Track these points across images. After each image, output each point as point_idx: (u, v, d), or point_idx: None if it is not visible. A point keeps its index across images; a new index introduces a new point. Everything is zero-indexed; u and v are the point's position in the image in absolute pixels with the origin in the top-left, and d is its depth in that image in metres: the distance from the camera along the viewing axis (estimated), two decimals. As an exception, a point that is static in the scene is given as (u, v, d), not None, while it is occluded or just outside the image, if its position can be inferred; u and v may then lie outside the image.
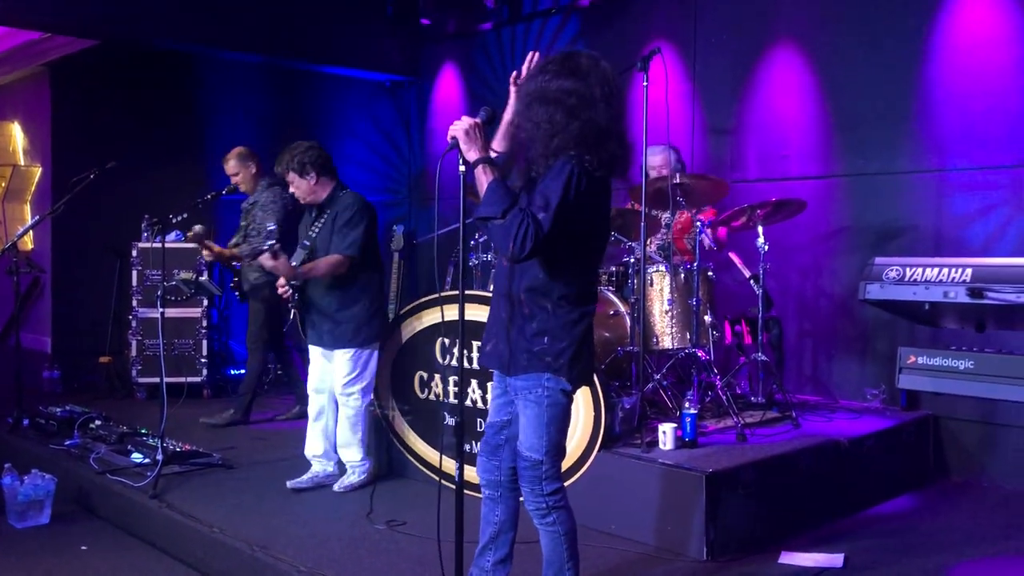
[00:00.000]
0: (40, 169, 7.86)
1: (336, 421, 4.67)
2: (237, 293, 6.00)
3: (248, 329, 6.04)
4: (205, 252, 5.78)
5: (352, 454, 4.68)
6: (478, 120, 2.79)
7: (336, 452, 4.73)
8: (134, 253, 6.91)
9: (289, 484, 4.62)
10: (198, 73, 7.71)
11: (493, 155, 2.83)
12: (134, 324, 6.87)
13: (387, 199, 8.69)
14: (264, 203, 5.84)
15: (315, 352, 4.68)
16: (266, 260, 4.35)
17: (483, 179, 2.72)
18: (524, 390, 2.85)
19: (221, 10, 6.87)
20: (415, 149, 8.61)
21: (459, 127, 2.77)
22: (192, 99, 7.70)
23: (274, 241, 4.38)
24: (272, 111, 7.97)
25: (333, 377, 4.62)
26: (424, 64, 8.38)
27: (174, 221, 5.69)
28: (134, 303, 6.89)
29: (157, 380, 6.59)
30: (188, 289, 5.56)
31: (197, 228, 5.43)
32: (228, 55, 7.34)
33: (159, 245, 6.32)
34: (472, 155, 2.76)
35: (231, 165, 5.99)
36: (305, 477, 4.67)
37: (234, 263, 5.98)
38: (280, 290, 4.56)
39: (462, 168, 2.78)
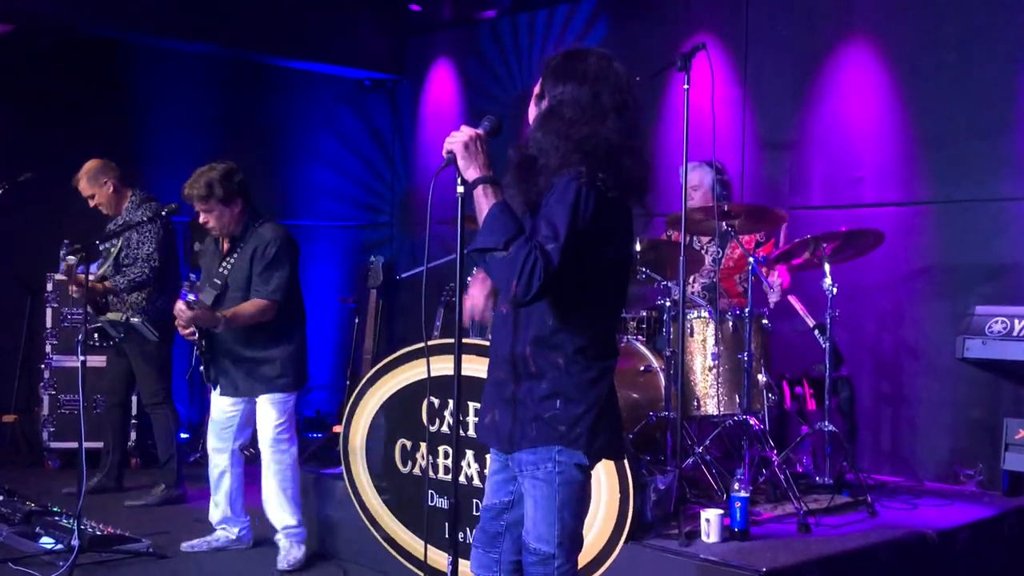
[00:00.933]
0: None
1: (238, 481, 5.06)
2: (99, 338, 6.00)
3: (141, 384, 6.16)
4: (72, 287, 5.77)
5: (287, 517, 4.93)
6: (480, 131, 2.82)
7: (242, 515, 5.12)
8: (49, 287, 6.93)
9: (184, 546, 5.04)
10: (134, 66, 7.77)
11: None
12: (47, 375, 6.86)
13: (364, 222, 8.73)
14: (139, 223, 5.86)
15: (220, 405, 4.99)
16: (183, 311, 4.61)
17: (483, 203, 2.73)
18: (531, 465, 2.83)
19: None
20: (401, 163, 8.65)
21: (457, 139, 2.79)
22: (127, 98, 7.76)
23: (189, 282, 4.64)
24: (225, 113, 8.04)
25: (259, 428, 4.93)
26: (412, 59, 8.46)
27: (101, 247, 5.70)
28: (47, 349, 6.90)
29: (74, 445, 6.57)
30: (117, 332, 5.55)
31: (70, 259, 5.47)
32: (170, 44, 7.42)
33: (81, 277, 6.28)
34: (471, 173, 2.77)
35: (82, 186, 6.11)
36: (201, 540, 5.09)
37: (102, 299, 5.99)
38: (184, 332, 4.79)
39: (460, 189, 2.79)
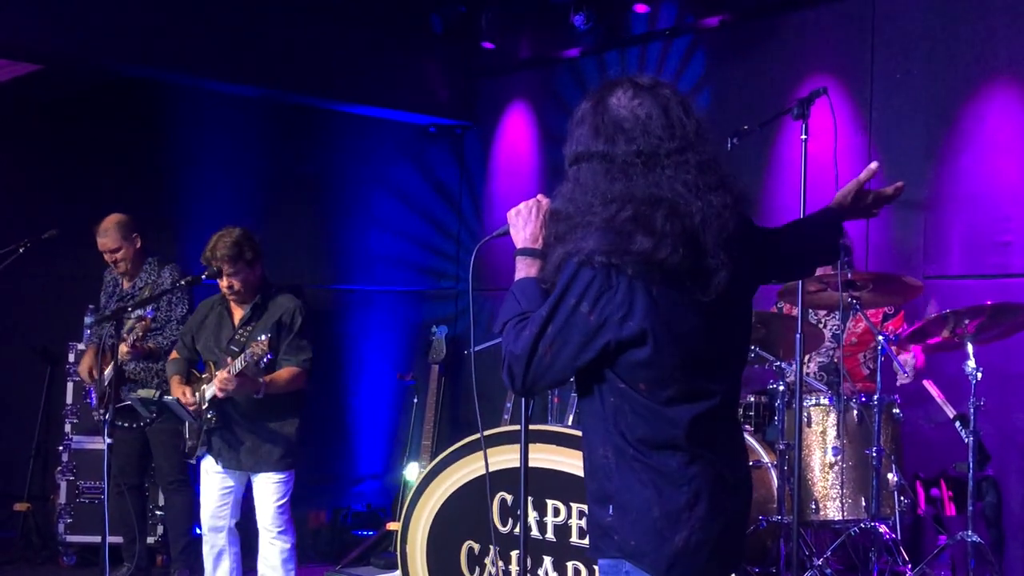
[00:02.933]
0: (-49, 238, 8.13)
1: (236, 561, 5.33)
2: (126, 417, 6.13)
3: (160, 462, 6.24)
4: (123, 348, 5.88)
5: None
6: (547, 201, 2.82)
7: None
8: (71, 358, 7.05)
9: None
10: (170, 110, 7.92)
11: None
12: (65, 458, 6.96)
13: (425, 287, 8.77)
14: (175, 286, 6.04)
15: (214, 481, 5.28)
16: (229, 381, 4.93)
17: (518, 275, 2.80)
18: None
19: (208, 26, 7.13)
20: (471, 219, 8.71)
21: (518, 207, 2.85)
22: (161, 145, 7.90)
23: (264, 342, 4.87)
24: (270, 162, 8.17)
25: (258, 507, 5.24)
26: (483, 103, 8.55)
27: (133, 315, 5.80)
28: (67, 428, 6.99)
29: (93, 539, 6.62)
30: (148, 412, 5.62)
31: (141, 312, 5.66)
32: (210, 85, 7.57)
33: (90, 352, 6.41)
34: (518, 241, 2.83)
35: (111, 238, 6.27)
36: None
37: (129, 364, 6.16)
38: (189, 403, 5.16)
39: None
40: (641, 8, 7.21)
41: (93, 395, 6.48)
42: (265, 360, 4.92)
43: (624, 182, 2.59)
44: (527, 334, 2.60)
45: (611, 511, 2.68)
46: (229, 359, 5.05)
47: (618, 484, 2.67)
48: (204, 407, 5.15)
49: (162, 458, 6.25)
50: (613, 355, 2.60)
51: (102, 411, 5.67)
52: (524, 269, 2.77)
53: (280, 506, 5.22)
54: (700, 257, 2.57)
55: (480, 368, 8.05)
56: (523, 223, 2.82)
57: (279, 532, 5.22)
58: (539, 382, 2.64)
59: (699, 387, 2.65)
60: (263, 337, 4.91)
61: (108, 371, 5.94)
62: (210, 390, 5.11)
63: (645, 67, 7.49)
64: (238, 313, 5.30)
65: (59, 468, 6.97)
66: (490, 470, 4.60)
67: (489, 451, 4.69)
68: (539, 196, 2.83)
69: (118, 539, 6.47)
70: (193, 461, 5.40)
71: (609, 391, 2.66)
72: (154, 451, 6.24)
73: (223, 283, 5.20)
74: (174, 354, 5.58)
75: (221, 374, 4.99)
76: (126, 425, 6.27)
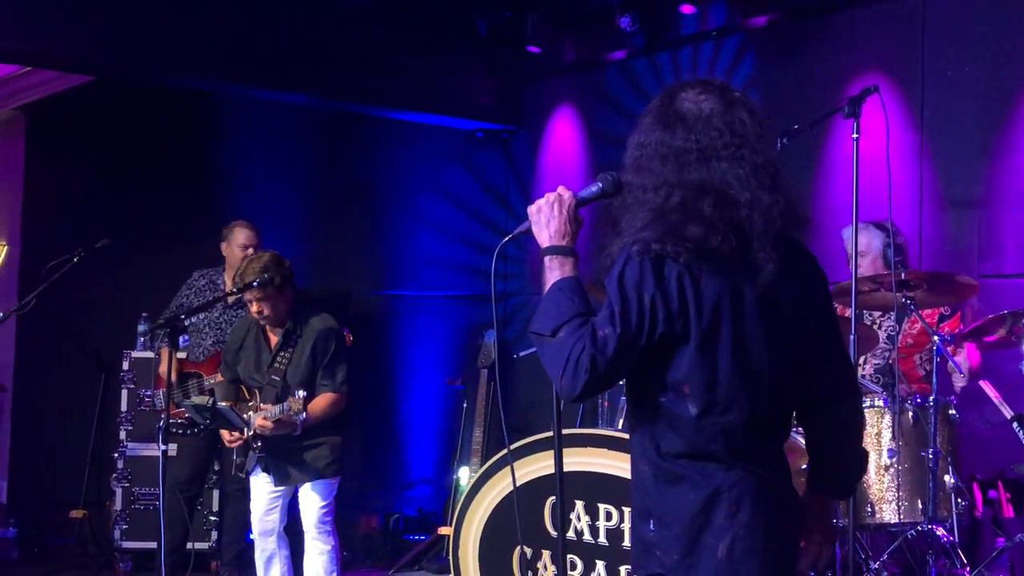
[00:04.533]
0: (6, 247, 8.24)
1: (287, 564, 5.45)
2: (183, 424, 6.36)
3: (226, 469, 6.37)
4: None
5: None
6: (568, 193, 2.78)
7: None
8: (125, 365, 7.11)
9: None
10: (220, 120, 8.03)
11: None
12: (120, 465, 7.02)
13: (474, 291, 8.78)
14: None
15: (263, 487, 5.38)
16: (267, 427, 5.10)
17: (547, 278, 2.70)
18: None
19: (255, 36, 7.19)
20: (517, 224, 8.70)
21: (536, 203, 2.78)
22: (211, 154, 8.01)
23: (300, 400, 5.07)
24: (319, 170, 8.24)
25: (303, 513, 5.36)
26: (529, 108, 8.56)
27: (186, 322, 5.85)
28: (122, 435, 7.05)
29: (149, 545, 6.68)
30: (203, 419, 5.66)
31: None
32: (259, 95, 7.63)
33: (163, 355, 6.46)
34: (542, 241, 2.75)
35: (249, 235, 6.42)
36: None
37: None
38: (230, 440, 5.27)
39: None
40: (688, 9, 7.18)
41: (159, 400, 6.55)
42: (300, 419, 5.06)
43: (677, 168, 2.60)
44: (608, 334, 2.51)
45: (652, 526, 2.65)
46: (264, 405, 5.20)
47: (657, 499, 2.64)
48: (248, 433, 5.22)
49: (195, 464, 6.41)
50: (663, 351, 2.57)
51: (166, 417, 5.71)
52: (558, 268, 2.69)
53: (324, 509, 5.34)
54: (748, 249, 2.56)
55: (528, 374, 8.10)
56: (546, 219, 2.74)
57: (320, 534, 5.34)
58: (611, 383, 2.59)
59: (740, 394, 2.59)
60: (300, 394, 5.04)
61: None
62: (254, 418, 5.19)
63: (696, 69, 7.46)
64: (273, 338, 5.38)
65: (114, 475, 7.04)
66: (540, 475, 4.62)
67: (538, 455, 4.69)
68: (560, 189, 2.78)
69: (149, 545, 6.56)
70: (243, 475, 5.46)
71: (651, 406, 2.63)
72: (224, 456, 6.31)
73: (253, 308, 5.27)
74: (219, 377, 5.66)
75: (259, 420, 5.11)
76: (191, 432, 6.35)
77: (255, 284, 5.12)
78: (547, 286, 2.69)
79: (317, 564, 5.35)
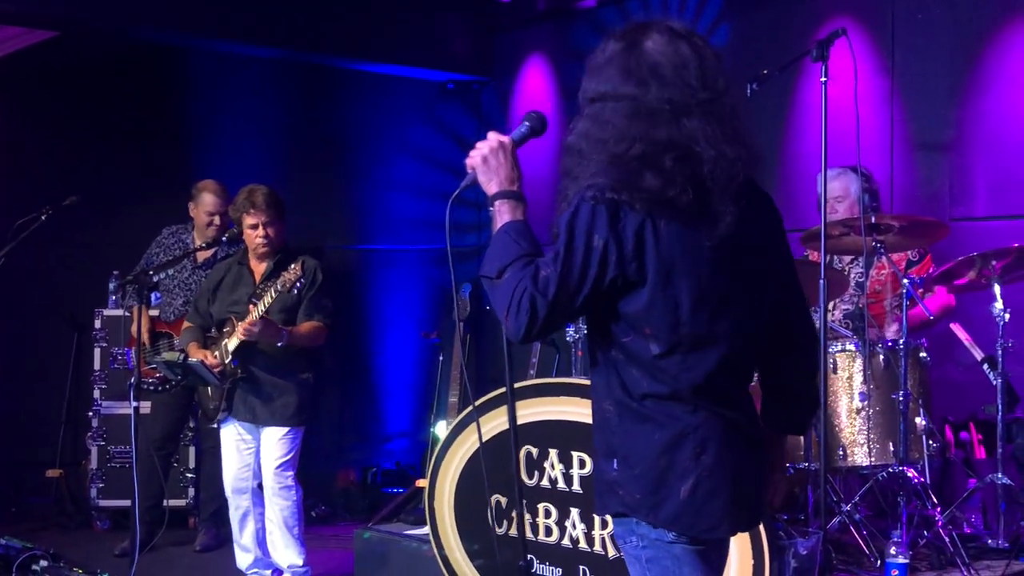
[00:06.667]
0: (-26, 207, 8.18)
1: (262, 520, 5.42)
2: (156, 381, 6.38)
3: (204, 426, 6.39)
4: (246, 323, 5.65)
5: (293, 556, 5.34)
6: (506, 139, 2.77)
7: (270, 559, 5.43)
8: (98, 324, 7.10)
9: None
10: (188, 75, 7.95)
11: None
12: (95, 424, 7.02)
13: (446, 245, 8.75)
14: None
15: (234, 443, 5.38)
16: (253, 326, 5.02)
17: (496, 222, 2.71)
18: (619, 538, 2.74)
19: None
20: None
21: (477, 152, 2.76)
22: (181, 109, 7.92)
23: (297, 268, 5.05)
24: (290, 123, 8.17)
25: (263, 462, 5.33)
26: (500, 58, 8.52)
27: (155, 279, 5.82)
28: (96, 394, 7.05)
29: (125, 503, 6.69)
30: (174, 375, 5.65)
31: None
32: (229, 48, 7.57)
33: (134, 312, 6.43)
34: (491, 188, 2.74)
35: (216, 202, 6.40)
36: None
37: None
38: (213, 364, 5.21)
39: (492, 209, 2.74)
40: (658, -45, 7.14)
41: (131, 357, 6.53)
42: (298, 285, 5.03)
43: (647, 126, 2.55)
44: (550, 273, 2.51)
45: (615, 465, 2.65)
46: (251, 308, 5.12)
47: (621, 438, 2.64)
48: (227, 360, 5.21)
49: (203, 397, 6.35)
50: (619, 294, 2.56)
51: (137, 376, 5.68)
52: (509, 212, 2.68)
53: (285, 461, 5.30)
54: (707, 202, 2.54)
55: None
56: (495, 167, 2.73)
57: (281, 488, 5.29)
58: (557, 323, 2.56)
59: (704, 336, 2.58)
60: (293, 266, 5.01)
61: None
62: (233, 341, 5.16)
63: (666, 13, 7.43)
64: (259, 269, 5.36)
65: (89, 434, 7.04)
66: (518, 423, 4.64)
67: (516, 404, 4.70)
68: (493, 135, 2.76)
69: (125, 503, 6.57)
70: (215, 424, 5.46)
71: (613, 345, 2.62)
72: (200, 412, 6.29)
73: (258, 233, 5.26)
74: (186, 323, 5.62)
75: (247, 319, 5.05)
76: (164, 389, 6.32)
77: (263, 206, 5.21)
78: (495, 230, 2.69)
79: (277, 518, 5.32)
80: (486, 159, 2.74)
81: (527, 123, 2.84)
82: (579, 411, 4.39)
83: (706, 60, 2.60)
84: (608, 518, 4.35)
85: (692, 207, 2.52)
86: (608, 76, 2.64)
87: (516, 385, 4.79)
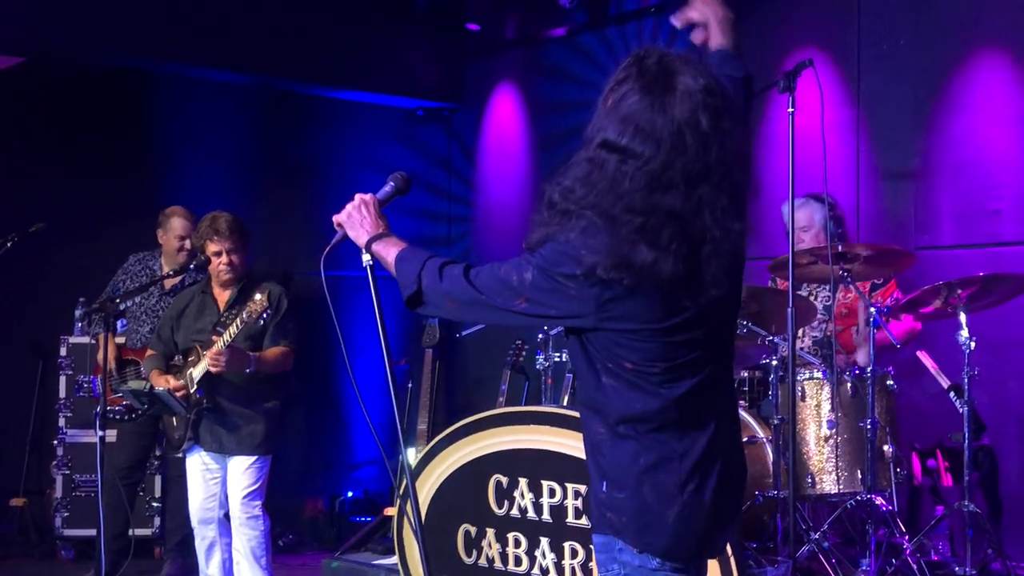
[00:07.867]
0: (-62, 233, 8.11)
1: (229, 551, 5.37)
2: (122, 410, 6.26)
3: (170, 455, 6.29)
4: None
5: None
6: (368, 197, 3.01)
7: None
8: (63, 351, 7.04)
9: None
10: (155, 101, 7.91)
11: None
12: (60, 452, 6.95)
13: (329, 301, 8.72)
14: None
15: (200, 473, 5.33)
16: (220, 356, 4.97)
17: (386, 258, 2.89)
18: (601, 566, 2.74)
19: (192, 14, 7.09)
20: (461, 202, 8.70)
21: (344, 211, 3.00)
22: (149, 135, 7.88)
23: (263, 299, 4.97)
24: (259, 150, 8.15)
25: (230, 492, 5.27)
26: (470, 85, 8.54)
27: (122, 307, 5.78)
28: (61, 422, 6.98)
29: (91, 532, 6.62)
30: (140, 403, 5.61)
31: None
32: (197, 74, 7.55)
33: (100, 340, 6.41)
34: (362, 238, 2.95)
35: (186, 226, 6.38)
36: None
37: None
38: (177, 389, 5.17)
39: (366, 258, 2.96)
40: (627, -15, 7.19)
41: (96, 385, 6.48)
42: (264, 316, 4.98)
43: (658, 196, 2.43)
44: (475, 275, 2.66)
45: (605, 487, 2.68)
46: (216, 337, 5.08)
47: (611, 461, 2.66)
48: (193, 389, 5.17)
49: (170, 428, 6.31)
50: (596, 333, 2.59)
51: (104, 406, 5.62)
52: (391, 246, 2.87)
53: (251, 492, 5.24)
54: (697, 272, 2.48)
55: (474, 352, 8.07)
56: (360, 220, 2.96)
57: (248, 519, 5.24)
58: (438, 304, 2.77)
59: (686, 364, 2.59)
60: (258, 296, 4.95)
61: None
62: (198, 370, 5.12)
63: (620, 47, 7.49)
64: (223, 297, 5.33)
65: (54, 462, 6.97)
66: (484, 453, 4.62)
67: (483, 433, 4.70)
68: (359, 195, 3.00)
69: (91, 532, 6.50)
70: (181, 454, 5.41)
71: (602, 370, 2.64)
72: (166, 441, 6.24)
73: (222, 261, 5.23)
74: (148, 351, 5.58)
75: (214, 348, 5.01)
76: (130, 418, 6.27)
77: (227, 233, 5.18)
78: (389, 264, 2.87)
79: (245, 548, 5.26)
80: (350, 215, 2.99)
81: (392, 183, 3.11)
82: (549, 439, 4.39)
83: (728, 115, 2.48)
84: (578, 547, 4.38)
85: (679, 277, 2.47)
86: (626, 129, 2.47)
87: (483, 415, 4.79)
